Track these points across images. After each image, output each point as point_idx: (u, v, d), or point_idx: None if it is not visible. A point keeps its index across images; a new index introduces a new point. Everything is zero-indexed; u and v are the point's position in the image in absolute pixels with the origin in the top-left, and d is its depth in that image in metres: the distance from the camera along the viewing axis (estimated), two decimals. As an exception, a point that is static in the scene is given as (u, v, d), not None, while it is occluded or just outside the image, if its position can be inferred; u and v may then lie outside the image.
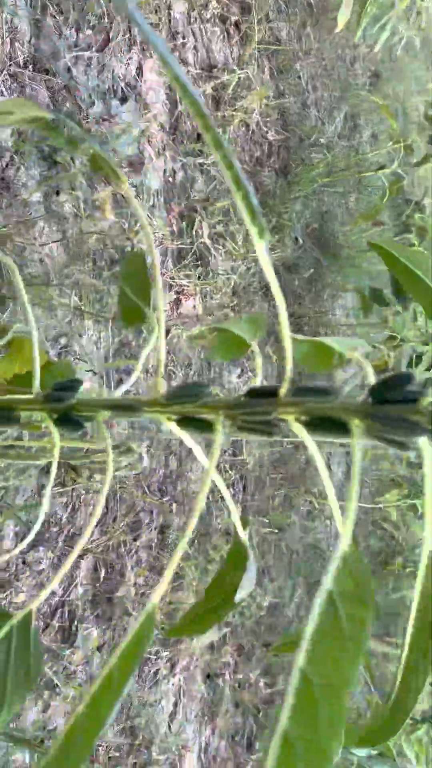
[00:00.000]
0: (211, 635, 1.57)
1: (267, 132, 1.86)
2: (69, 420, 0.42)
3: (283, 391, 0.36)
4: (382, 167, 1.95)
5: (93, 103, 1.13)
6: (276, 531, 1.96)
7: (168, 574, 0.37)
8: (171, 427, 0.40)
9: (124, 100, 1.23)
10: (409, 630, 0.40)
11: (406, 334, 2.02)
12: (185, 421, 0.39)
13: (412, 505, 2.79)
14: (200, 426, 0.38)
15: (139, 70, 1.28)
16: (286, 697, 0.22)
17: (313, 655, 0.23)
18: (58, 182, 0.99)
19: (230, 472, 1.55)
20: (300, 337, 0.50)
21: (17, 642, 0.35)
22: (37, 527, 0.45)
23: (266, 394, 0.37)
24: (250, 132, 1.75)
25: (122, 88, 1.24)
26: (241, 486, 1.73)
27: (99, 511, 0.40)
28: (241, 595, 0.52)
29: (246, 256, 1.60)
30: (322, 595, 0.25)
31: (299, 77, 2.21)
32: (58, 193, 1.00)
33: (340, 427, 0.34)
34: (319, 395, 0.34)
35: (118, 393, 0.43)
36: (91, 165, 0.41)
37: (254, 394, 0.37)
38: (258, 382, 0.41)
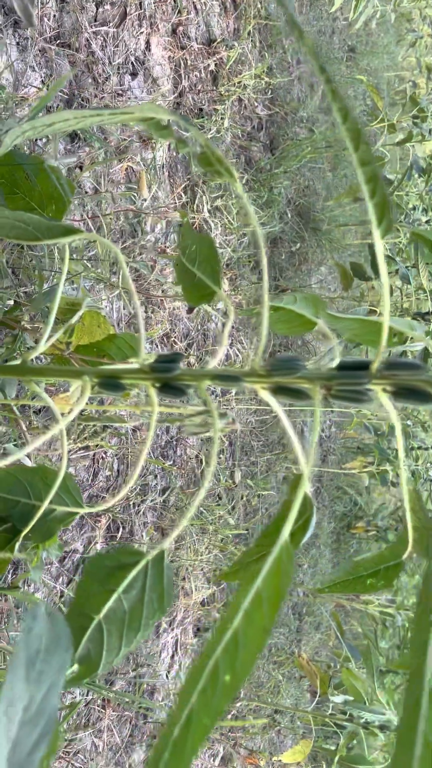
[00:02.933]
0: (203, 591, 1.65)
1: (257, 107, 1.89)
2: (172, 387, 0.48)
3: (375, 365, 0.42)
4: (366, 145, 2.01)
5: (108, 78, 1.16)
6: (258, 497, 2.05)
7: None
8: (264, 395, 0.46)
9: (134, 75, 1.26)
10: None
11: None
12: (280, 390, 0.45)
13: (374, 472, 2.92)
14: (297, 394, 0.45)
15: (148, 44, 1.31)
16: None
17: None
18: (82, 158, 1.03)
19: (223, 439, 1.62)
20: (359, 316, 0.56)
21: (152, 573, 0.41)
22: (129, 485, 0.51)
23: (359, 367, 0.43)
24: (243, 107, 1.79)
25: (133, 63, 1.26)
26: (230, 452, 1.81)
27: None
28: (304, 539, 0.60)
29: (240, 230, 1.65)
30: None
31: (285, 51, 2.24)
32: (80, 168, 1.03)
33: (426, 397, 0.41)
34: (410, 369, 0.41)
35: (213, 363, 0.48)
36: (200, 161, 0.45)
37: (346, 367, 0.44)
38: (338, 357, 0.47)
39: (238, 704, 1.91)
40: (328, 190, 2.66)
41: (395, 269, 2.30)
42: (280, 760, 1.92)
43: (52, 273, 0.78)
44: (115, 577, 0.40)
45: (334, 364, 0.45)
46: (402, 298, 2.25)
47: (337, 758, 1.91)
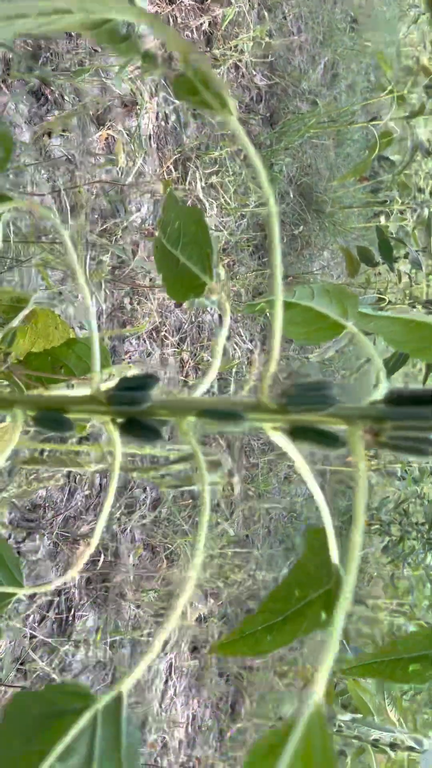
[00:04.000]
0: (201, 608, 1.51)
1: (255, 76, 1.73)
2: (141, 426, 0.33)
3: (449, 399, 0.27)
4: (374, 119, 1.84)
5: (81, 34, 0.99)
6: (258, 498, 1.91)
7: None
8: (277, 439, 0.32)
9: (115, 30, 1.09)
10: None
11: (393, 296, 1.96)
12: (301, 433, 0.31)
13: (381, 466, 2.79)
14: (326, 440, 0.30)
15: (131, -4, 1.14)
16: None
17: None
18: (50, 124, 0.87)
19: (221, 441, 1.48)
20: (402, 315, 0.41)
21: (105, 732, 0.26)
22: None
23: (420, 401, 0.28)
24: (240, 75, 1.62)
25: (113, 16, 1.09)
26: (227, 456, 1.66)
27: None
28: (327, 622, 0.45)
29: (238, 210, 1.49)
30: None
31: (285, 17, 2.06)
32: (49, 135, 0.88)
33: None
34: None
35: (199, 392, 0.34)
36: (180, 87, 0.31)
37: (400, 400, 0.29)
38: (381, 385, 0.32)
39: (238, 725, 1.78)
40: (330, 169, 2.49)
41: (404, 253, 2.14)
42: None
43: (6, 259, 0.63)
44: (48, 733, 0.26)
45: (379, 393, 0.31)
46: (411, 285, 2.10)
47: (344, 779, 1.78)
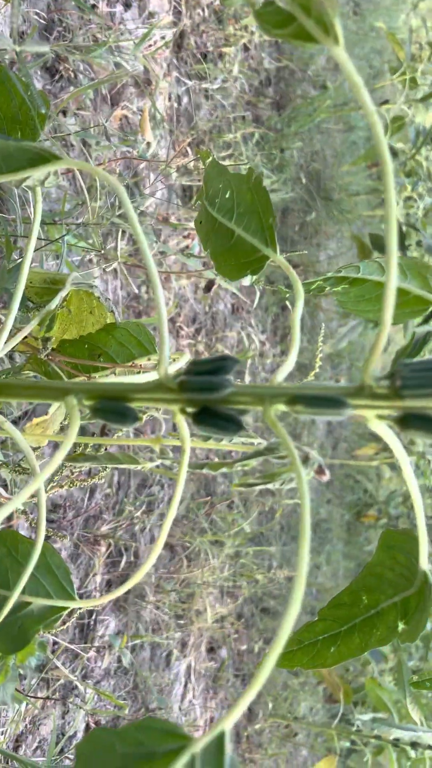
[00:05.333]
0: (217, 609, 1.47)
1: (264, 59, 1.67)
2: (218, 416, 0.28)
3: None
4: (385, 102, 1.79)
5: (95, 5, 0.94)
6: (273, 495, 1.87)
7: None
8: (380, 428, 0.27)
9: (127, 6, 1.04)
10: None
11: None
12: (416, 421, 0.26)
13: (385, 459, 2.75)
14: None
15: (142, -31, 1.09)
16: None
17: None
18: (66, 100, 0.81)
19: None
20: None
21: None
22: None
23: None
24: (249, 57, 1.57)
25: (124, -10, 1.04)
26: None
27: None
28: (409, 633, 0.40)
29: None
30: None
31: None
32: (64, 114, 0.82)
33: None
34: None
35: (280, 377, 0.29)
36: (266, 17, 0.25)
37: None
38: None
39: (256, 726, 1.74)
40: (336, 156, 2.44)
41: (416, 241, 2.09)
42: (300, 779, 1.75)
43: (26, 239, 0.58)
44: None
45: None
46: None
47: (365, 779, 1.75)
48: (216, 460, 0.68)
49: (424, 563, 0.36)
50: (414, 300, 0.37)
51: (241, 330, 1.54)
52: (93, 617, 0.91)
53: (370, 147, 1.98)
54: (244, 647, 1.64)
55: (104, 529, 0.92)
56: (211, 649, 1.52)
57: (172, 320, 1.17)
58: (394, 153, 2.33)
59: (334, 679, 1.95)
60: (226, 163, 1.33)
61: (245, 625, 1.73)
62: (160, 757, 0.22)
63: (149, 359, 0.41)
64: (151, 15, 1.11)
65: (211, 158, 0.45)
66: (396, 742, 1.76)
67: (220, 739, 0.22)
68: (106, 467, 0.44)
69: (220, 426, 0.28)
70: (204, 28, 1.28)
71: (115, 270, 0.98)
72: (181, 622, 1.12)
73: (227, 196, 0.41)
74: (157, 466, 0.36)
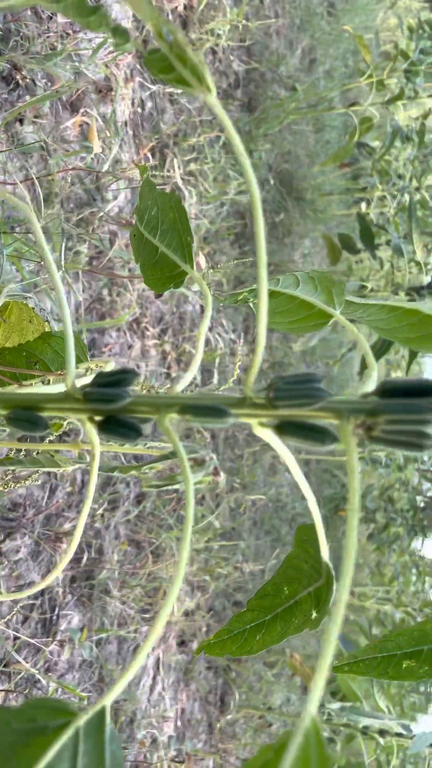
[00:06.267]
0: (186, 603, 1.50)
1: (233, 61, 1.70)
2: (120, 424, 0.31)
3: (446, 390, 0.26)
4: (353, 104, 1.82)
5: (53, 16, 0.96)
6: (243, 489, 1.90)
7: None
8: (264, 435, 0.30)
9: (88, 12, 1.06)
10: None
11: (376, 284, 1.95)
12: (292, 429, 0.29)
13: (373, 456, 2.79)
14: (316, 436, 0.28)
15: (104, -23, 1.11)
16: None
17: None
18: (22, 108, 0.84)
19: (204, 433, 1.46)
20: (383, 301, 0.39)
21: (86, 750, 0.24)
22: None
23: (415, 392, 0.27)
24: (218, 60, 1.59)
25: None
26: (212, 447, 1.65)
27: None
28: (318, 620, 0.44)
29: (218, 198, 1.47)
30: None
31: (261, 1, 2.03)
32: (21, 122, 0.84)
33: None
34: None
35: (181, 387, 0.32)
36: (153, 63, 0.28)
37: (395, 392, 0.27)
38: (374, 376, 0.30)
39: (228, 716, 1.78)
40: (310, 156, 2.47)
41: (386, 240, 2.13)
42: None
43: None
44: (29, 750, 0.24)
45: (370, 385, 0.29)
46: (394, 272, 2.09)
47: (335, 767, 1.79)
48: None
49: (325, 555, 0.39)
50: (318, 313, 0.40)
51: (211, 330, 1.57)
52: (56, 612, 0.93)
53: (340, 147, 2.01)
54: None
55: (67, 526, 0.95)
56: (182, 643, 1.55)
57: (136, 321, 1.19)
58: (370, 152, 2.37)
59: (306, 669, 1.99)
60: (191, 167, 1.35)
61: (217, 618, 1.76)
62: (50, 732, 0.25)
63: (77, 367, 0.43)
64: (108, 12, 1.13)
65: (146, 175, 0.47)
66: (365, 730, 1.80)
67: (101, 714, 0.25)
68: (38, 471, 0.46)
69: (121, 433, 0.31)
70: (168, 34, 1.30)
71: (77, 274, 1.01)
72: (147, 615, 1.15)
73: (153, 213, 0.44)
74: (75, 469, 0.39)
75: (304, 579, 0.47)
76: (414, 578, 3.21)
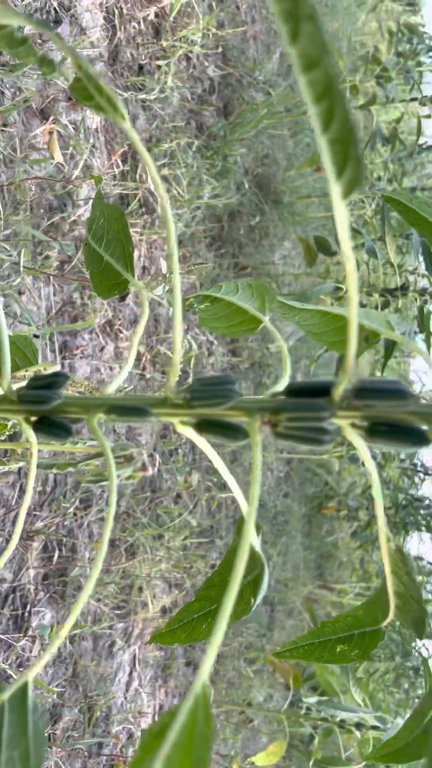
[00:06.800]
0: (163, 599, 1.53)
1: (207, 67, 1.72)
2: (52, 424, 0.33)
3: (340, 390, 0.28)
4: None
5: (20, 28, 0.98)
6: (222, 488, 1.93)
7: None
8: (186, 432, 0.32)
9: (57, 22, 1.08)
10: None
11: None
12: (208, 426, 0.31)
13: (351, 454, 2.83)
14: (229, 433, 0.31)
15: (74, -13, 1.13)
16: None
17: None
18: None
19: (180, 435, 1.48)
20: (309, 306, 0.42)
21: (10, 721, 0.27)
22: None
23: (316, 392, 0.29)
24: (192, 66, 1.61)
25: (55, 8, 1.08)
26: (189, 446, 1.67)
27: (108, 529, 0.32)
28: (256, 604, 0.46)
29: (192, 203, 1.49)
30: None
31: (238, 7, 2.06)
32: (-11, 130, 0.87)
33: (415, 436, 0.28)
34: (391, 397, 0.28)
35: (112, 388, 0.34)
36: (75, 91, 0.31)
37: (298, 392, 0.30)
38: (287, 375, 0.33)
39: (206, 712, 1.80)
40: (289, 159, 2.50)
41: (361, 243, 2.16)
42: (253, 763, 1.81)
43: None
44: None
45: (281, 385, 0.32)
46: (369, 274, 2.12)
47: (312, 761, 1.82)
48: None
49: (256, 545, 0.41)
50: (250, 319, 0.43)
51: (187, 332, 1.60)
52: (27, 609, 0.95)
53: (316, 152, 2.04)
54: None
55: (39, 525, 0.97)
56: (159, 640, 1.58)
57: (109, 323, 1.22)
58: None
59: (284, 665, 2.02)
60: (164, 172, 1.38)
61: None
62: (-23, 705, 0.27)
63: (27, 370, 0.46)
64: (84, 30, 1.15)
65: (99, 185, 0.50)
66: (342, 724, 1.83)
67: (24, 688, 0.28)
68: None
69: (53, 433, 0.33)
70: (140, 41, 1.32)
71: (48, 278, 1.03)
72: (119, 612, 1.17)
73: (100, 223, 0.46)
74: (20, 468, 0.41)
75: (250, 567, 0.49)
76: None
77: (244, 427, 0.30)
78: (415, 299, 1.89)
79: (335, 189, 0.22)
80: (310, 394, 0.30)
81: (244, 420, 0.30)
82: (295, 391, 0.30)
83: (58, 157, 0.87)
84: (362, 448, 0.30)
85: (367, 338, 0.41)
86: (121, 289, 0.45)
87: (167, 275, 1.12)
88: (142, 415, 0.31)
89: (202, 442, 0.33)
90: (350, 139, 0.20)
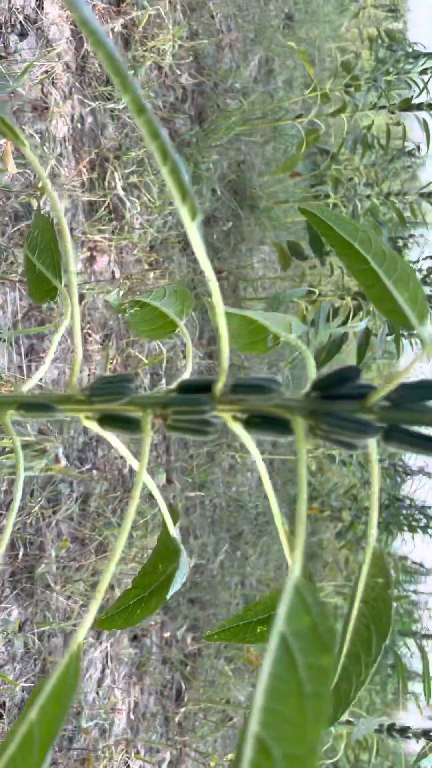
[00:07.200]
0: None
1: (180, 75, 1.76)
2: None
3: (219, 386, 0.32)
4: (299, 116, 1.89)
5: (-12, 38, 1.02)
6: (199, 488, 1.96)
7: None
8: (91, 426, 0.36)
9: (23, 35, 1.11)
10: (352, 622, 0.38)
11: (324, 288, 2.02)
12: (108, 420, 0.35)
13: (328, 454, 2.86)
14: (126, 426, 0.34)
15: (40, 2, 1.16)
16: (242, 773, 0.19)
17: (270, 717, 0.20)
18: None
19: (153, 435, 1.51)
20: (230, 309, 0.45)
21: None
22: None
23: (200, 389, 0.33)
24: (163, 75, 1.65)
25: (21, 21, 1.11)
26: (164, 447, 1.70)
27: (13, 514, 0.35)
28: (173, 590, 0.49)
29: (163, 209, 1.53)
30: (274, 638, 0.22)
31: (212, 16, 2.10)
32: None
33: (283, 427, 0.31)
34: (258, 392, 0.31)
35: (27, 386, 0.37)
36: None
37: (186, 388, 0.33)
38: (188, 372, 0.37)
39: (182, 709, 1.83)
40: (268, 164, 2.54)
41: (328, 249, 2.20)
42: (231, 760, 1.84)
43: None
44: None
45: (174, 384, 0.35)
46: (343, 278, 2.16)
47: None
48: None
49: (172, 531, 0.45)
50: (169, 323, 0.47)
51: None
52: (-6, 605, 0.98)
53: (288, 158, 2.09)
54: (167, 635, 1.72)
55: (4, 523, 1.00)
56: (134, 638, 1.61)
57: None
58: (332, 157, 2.44)
59: (260, 662, 2.04)
60: (133, 179, 1.41)
61: (171, 615, 1.81)
62: None
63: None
64: (50, 43, 1.18)
65: (41, 200, 0.53)
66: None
67: None
68: None
69: (-29, 427, 0.36)
70: (108, 52, 1.35)
71: (13, 283, 1.06)
72: (86, 609, 1.20)
73: (36, 233, 0.50)
74: None
75: (172, 555, 0.52)
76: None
77: (140, 420, 0.34)
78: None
79: (183, 212, 0.25)
80: (196, 390, 0.33)
81: (139, 414, 0.34)
82: (184, 387, 0.33)
83: (12, 168, 0.90)
84: (245, 438, 0.33)
85: (275, 338, 0.44)
86: (51, 295, 0.48)
87: (119, 281, 1.15)
88: (48, 411, 0.35)
89: (109, 436, 0.37)
90: (179, 170, 0.23)
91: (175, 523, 0.45)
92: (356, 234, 0.45)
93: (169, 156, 0.23)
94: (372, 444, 0.31)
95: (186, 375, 0.36)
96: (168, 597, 0.49)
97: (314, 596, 0.24)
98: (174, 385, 0.35)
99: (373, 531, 0.34)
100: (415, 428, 0.29)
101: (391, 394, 0.29)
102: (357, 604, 0.37)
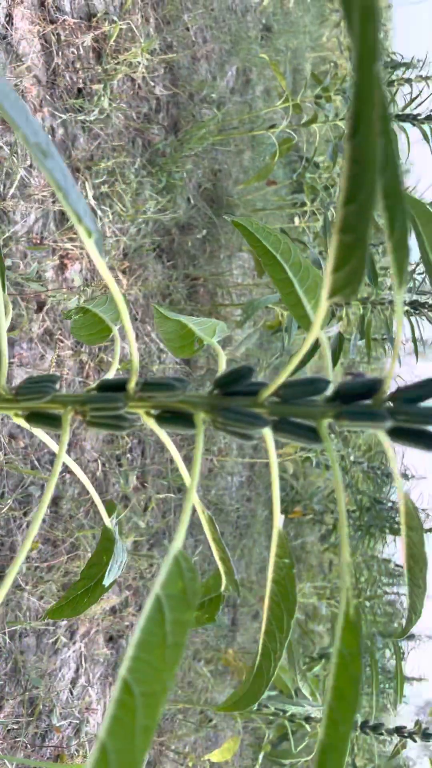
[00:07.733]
0: (112, 599, 1.58)
1: (154, 87, 1.80)
2: None
3: (131, 385, 0.35)
4: (272, 126, 1.94)
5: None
6: (177, 492, 1.99)
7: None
8: (21, 422, 0.39)
9: (-7, 50, 1.15)
10: (266, 601, 0.42)
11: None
12: (34, 417, 0.38)
13: (307, 457, 2.90)
14: (49, 422, 0.37)
15: (9, 17, 1.20)
16: (109, 708, 0.22)
17: (136, 664, 0.23)
18: None
19: (127, 438, 1.54)
20: (169, 313, 0.49)
21: None
22: None
23: (115, 387, 0.36)
24: (136, 87, 1.69)
25: (-10, 36, 1.15)
26: (139, 451, 1.73)
27: None
28: (109, 579, 0.53)
29: (136, 218, 1.56)
30: (150, 599, 0.25)
31: (187, 29, 2.14)
32: None
33: (187, 421, 0.35)
34: (165, 389, 0.34)
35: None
36: None
37: (104, 387, 0.37)
38: (112, 373, 0.40)
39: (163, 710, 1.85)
40: (245, 173, 2.59)
41: (307, 254, 2.25)
42: (208, 760, 1.87)
43: None
44: None
45: (97, 383, 0.38)
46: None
47: (262, 754, 1.88)
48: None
49: (107, 522, 0.48)
50: (105, 328, 0.50)
51: (137, 339, 1.66)
52: (-37, 604, 1.01)
53: (261, 167, 2.13)
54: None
55: (-25, 525, 1.03)
56: (110, 639, 1.63)
57: (49, 333, 1.28)
58: (316, 166, 2.49)
59: (238, 663, 2.08)
60: (104, 189, 1.44)
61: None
62: None
63: None
64: (19, 57, 1.22)
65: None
66: (292, 718, 1.89)
67: None
68: None
69: None
70: (79, 66, 1.39)
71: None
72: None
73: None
74: None
75: (111, 546, 0.56)
76: (363, 578, 3.32)
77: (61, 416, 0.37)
78: (358, 308, 1.98)
79: (80, 231, 0.29)
80: (112, 389, 0.36)
81: (60, 411, 0.37)
82: (103, 387, 0.36)
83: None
84: (159, 431, 0.36)
85: (200, 342, 0.48)
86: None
87: (80, 288, 1.18)
88: (-21, 408, 0.38)
89: (38, 432, 0.40)
90: (70, 196, 0.26)
91: (110, 515, 0.48)
92: (278, 245, 0.49)
93: (61, 185, 0.26)
94: (267, 434, 0.34)
95: (110, 375, 0.40)
96: (106, 585, 0.52)
97: (189, 564, 0.27)
98: (94, 384, 0.38)
99: (277, 515, 0.38)
100: (300, 420, 0.33)
101: (280, 391, 0.33)
102: (270, 584, 0.40)
